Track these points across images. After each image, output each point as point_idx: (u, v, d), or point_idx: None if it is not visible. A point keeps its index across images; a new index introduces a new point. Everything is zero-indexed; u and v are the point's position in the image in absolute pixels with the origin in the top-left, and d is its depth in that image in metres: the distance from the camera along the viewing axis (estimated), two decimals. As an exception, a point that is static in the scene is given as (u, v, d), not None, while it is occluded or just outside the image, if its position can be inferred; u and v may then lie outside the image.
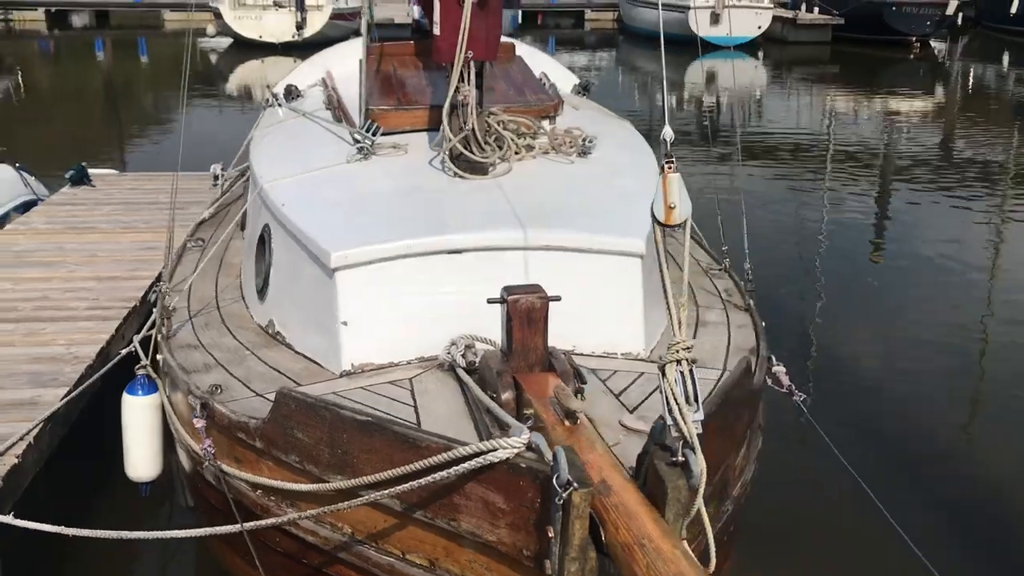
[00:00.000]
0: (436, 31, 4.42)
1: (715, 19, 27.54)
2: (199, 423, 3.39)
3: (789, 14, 28.95)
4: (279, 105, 6.88)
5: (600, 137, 5.06)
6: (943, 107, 20.87)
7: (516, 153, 4.66)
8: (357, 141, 4.91)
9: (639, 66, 28.33)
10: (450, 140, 4.43)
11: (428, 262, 3.71)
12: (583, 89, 7.03)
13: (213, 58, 27.14)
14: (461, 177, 4.43)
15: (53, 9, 34.12)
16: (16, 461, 4.37)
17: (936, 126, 18.49)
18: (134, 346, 4.95)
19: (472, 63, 4.40)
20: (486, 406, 2.92)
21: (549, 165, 4.71)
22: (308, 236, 3.88)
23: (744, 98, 21.81)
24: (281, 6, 26.68)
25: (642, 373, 3.53)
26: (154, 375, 4.60)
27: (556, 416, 2.65)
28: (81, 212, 8.23)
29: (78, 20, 35.49)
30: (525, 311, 2.96)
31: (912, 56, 28.32)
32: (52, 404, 4.87)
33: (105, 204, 8.50)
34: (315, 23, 26.89)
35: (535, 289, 3.03)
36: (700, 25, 27.64)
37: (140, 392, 4.62)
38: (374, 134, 4.83)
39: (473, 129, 4.48)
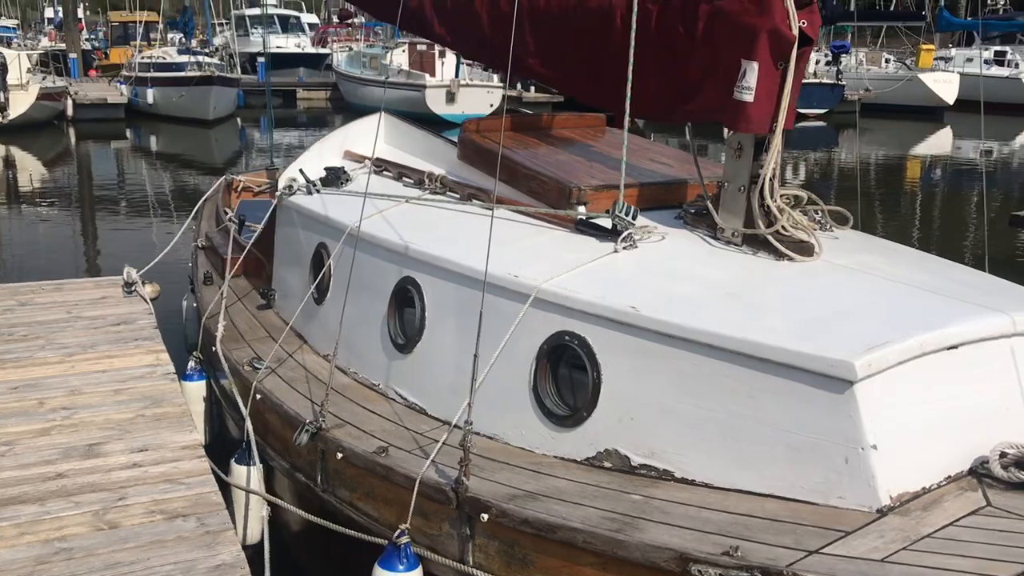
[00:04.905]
0: (748, 98, 3.89)
1: (451, 98, 28.04)
2: None
3: (515, 93, 30.23)
4: (317, 191, 5.82)
5: None
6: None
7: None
8: (601, 228, 4.20)
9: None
10: (776, 219, 3.91)
11: (931, 361, 3.17)
12: None
13: None
14: (790, 260, 3.91)
15: None
16: None
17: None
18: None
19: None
20: None
21: (834, 242, 4.29)
22: (783, 348, 3.16)
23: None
24: (-24, 85, 23.19)
25: None
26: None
27: None
28: (-11, 339, 6.33)
29: None
30: None
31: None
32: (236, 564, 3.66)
33: (7, 327, 6.60)
34: (19, 104, 23.63)
35: None
36: (436, 104, 28.10)
37: (403, 567, 3.56)
38: (633, 217, 4.14)
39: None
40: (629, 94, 4.03)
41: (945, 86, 34.50)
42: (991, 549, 2.67)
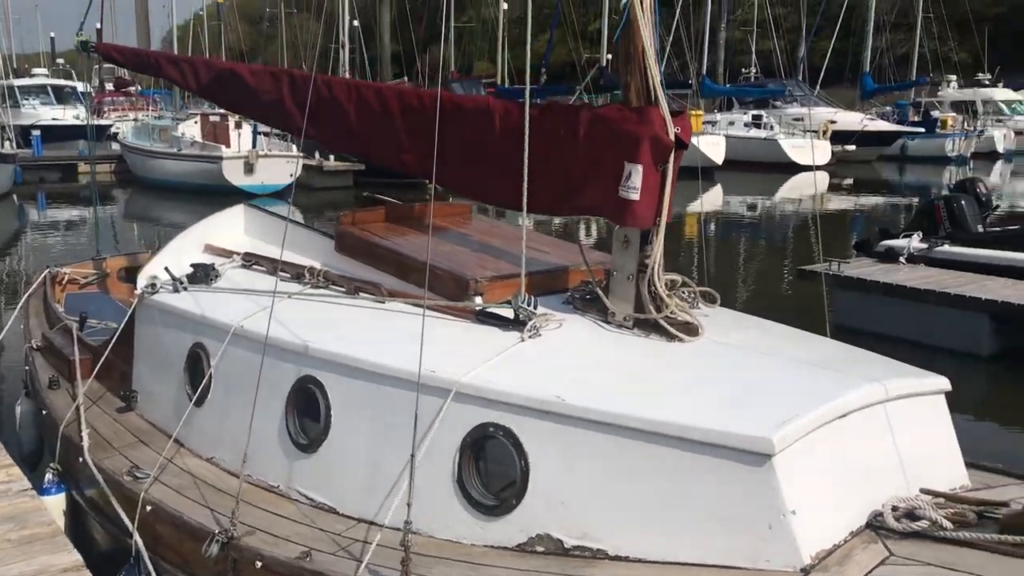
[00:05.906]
0: (635, 196, 4.25)
1: (249, 168, 27.53)
2: None
3: (315, 161, 30.04)
4: (184, 288, 5.71)
5: None
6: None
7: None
8: (503, 319, 4.42)
9: (156, 216, 26.86)
10: (665, 304, 4.28)
11: (828, 431, 3.58)
12: None
13: None
14: (680, 341, 4.28)
15: None
16: None
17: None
18: None
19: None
20: None
21: (707, 320, 4.70)
22: (705, 429, 3.46)
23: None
24: None
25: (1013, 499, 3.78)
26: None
27: None
28: None
29: None
30: None
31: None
32: None
33: None
34: None
35: None
36: (234, 175, 27.46)
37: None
38: (534, 307, 4.40)
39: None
40: (526, 191, 4.30)
41: (714, 148, 37.36)
42: None
